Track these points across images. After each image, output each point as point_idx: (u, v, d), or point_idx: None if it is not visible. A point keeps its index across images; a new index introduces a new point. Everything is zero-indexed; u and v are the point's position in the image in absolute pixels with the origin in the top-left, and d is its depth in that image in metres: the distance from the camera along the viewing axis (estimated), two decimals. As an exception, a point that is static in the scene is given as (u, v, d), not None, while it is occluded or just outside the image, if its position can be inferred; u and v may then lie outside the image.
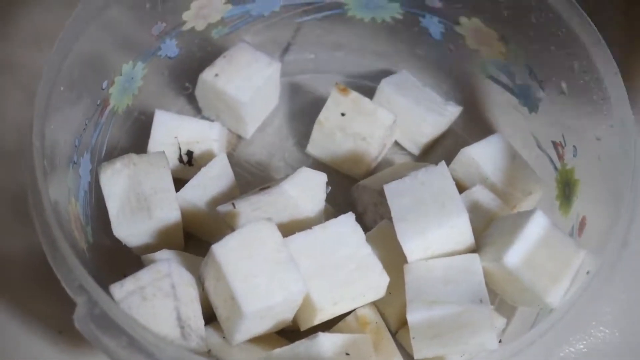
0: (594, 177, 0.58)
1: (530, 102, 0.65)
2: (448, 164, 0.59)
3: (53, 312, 0.59)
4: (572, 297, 0.50)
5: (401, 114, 0.66)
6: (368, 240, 0.55)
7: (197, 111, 0.69)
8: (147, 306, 0.49)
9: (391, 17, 0.69)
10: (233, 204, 0.57)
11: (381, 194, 0.57)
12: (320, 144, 0.66)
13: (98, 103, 0.61)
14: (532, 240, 0.53)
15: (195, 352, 0.50)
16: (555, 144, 0.62)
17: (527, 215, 0.54)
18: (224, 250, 0.51)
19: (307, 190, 0.58)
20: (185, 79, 0.69)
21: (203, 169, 0.61)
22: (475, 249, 0.57)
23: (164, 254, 0.56)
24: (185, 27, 0.66)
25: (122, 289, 0.50)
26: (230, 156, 0.67)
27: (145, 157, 0.59)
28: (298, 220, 0.57)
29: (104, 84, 0.61)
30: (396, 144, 0.69)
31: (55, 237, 0.48)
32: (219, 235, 0.52)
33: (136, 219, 0.57)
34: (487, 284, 0.54)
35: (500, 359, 0.47)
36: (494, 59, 0.66)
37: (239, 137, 0.69)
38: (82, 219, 0.58)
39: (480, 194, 0.60)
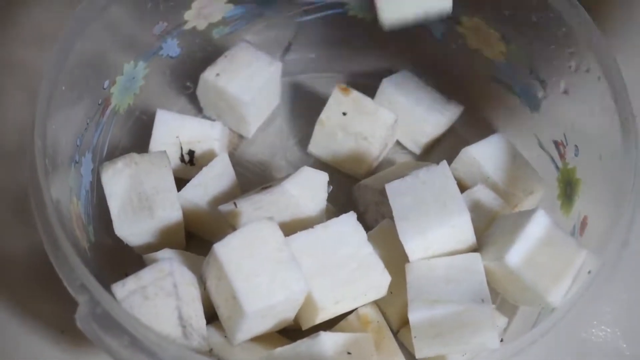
0: (595, 176, 0.58)
1: (531, 102, 0.65)
2: (449, 163, 0.59)
3: (55, 311, 0.59)
4: (573, 297, 0.50)
5: (402, 113, 0.66)
6: (369, 239, 0.56)
7: (199, 111, 0.69)
8: (149, 305, 0.49)
9: (392, 17, 0.69)
10: (234, 204, 0.57)
11: (382, 193, 0.57)
12: (321, 143, 0.66)
13: (99, 102, 0.61)
14: (533, 239, 0.53)
15: (196, 351, 0.50)
16: (556, 143, 0.62)
17: (528, 214, 0.54)
18: (225, 249, 0.51)
19: (308, 189, 0.58)
20: (187, 78, 0.69)
21: (204, 169, 0.61)
22: (477, 248, 0.57)
23: (165, 253, 0.56)
24: (187, 27, 0.66)
25: (123, 288, 0.50)
26: (232, 155, 0.67)
27: (146, 157, 0.59)
28: (299, 219, 0.57)
29: (106, 84, 0.61)
30: (397, 143, 0.69)
31: (57, 237, 0.48)
32: (220, 235, 0.52)
33: (138, 218, 0.57)
34: (488, 283, 0.54)
35: (501, 358, 0.47)
36: (495, 59, 0.66)
37: (241, 137, 0.69)
38: (84, 218, 0.58)
39: (482, 194, 0.60)
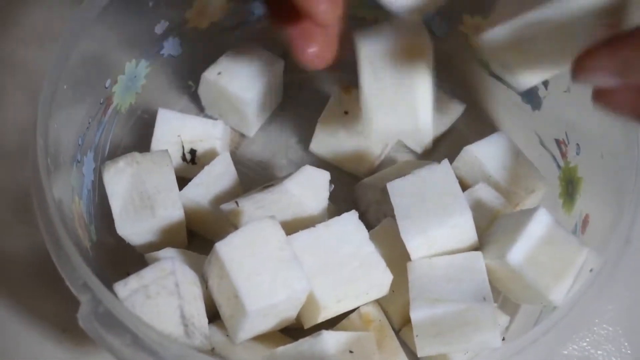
0: (597, 174, 0.58)
1: (533, 100, 0.65)
2: (451, 162, 0.59)
3: (57, 310, 0.59)
4: (575, 295, 0.50)
5: (404, 112, 0.66)
6: (371, 238, 0.56)
7: (200, 109, 0.69)
8: (151, 304, 0.49)
9: (394, 16, 0.69)
10: (236, 202, 0.57)
11: (384, 192, 0.57)
12: (323, 142, 0.66)
13: (101, 102, 0.61)
14: (535, 238, 0.53)
15: (198, 350, 0.50)
16: (558, 142, 0.62)
17: (530, 213, 0.54)
18: (227, 248, 0.51)
19: (310, 188, 0.58)
20: (189, 77, 0.69)
21: (206, 168, 0.61)
22: (479, 246, 0.57)
23: (167, 252, 0.56)
24: (188, 26, 0.66)
25: (126, 287, 0.50)
26: (234, 154, 0.67)
27: (148, 156, 0.59)
28: (301, 218, 0.57)
29: (107, 83, 0.61)
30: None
31: (59, 236, 0.48)
32: (222, 234, 0.52)
33: (140, 217, 0.57)
34: (490, 282, 0.54)
35: (503, 357, 0.47)
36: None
37: (242, 136, 0.69)
38: (86, 218, 0.58)
39: (483, 192, 0.60)
